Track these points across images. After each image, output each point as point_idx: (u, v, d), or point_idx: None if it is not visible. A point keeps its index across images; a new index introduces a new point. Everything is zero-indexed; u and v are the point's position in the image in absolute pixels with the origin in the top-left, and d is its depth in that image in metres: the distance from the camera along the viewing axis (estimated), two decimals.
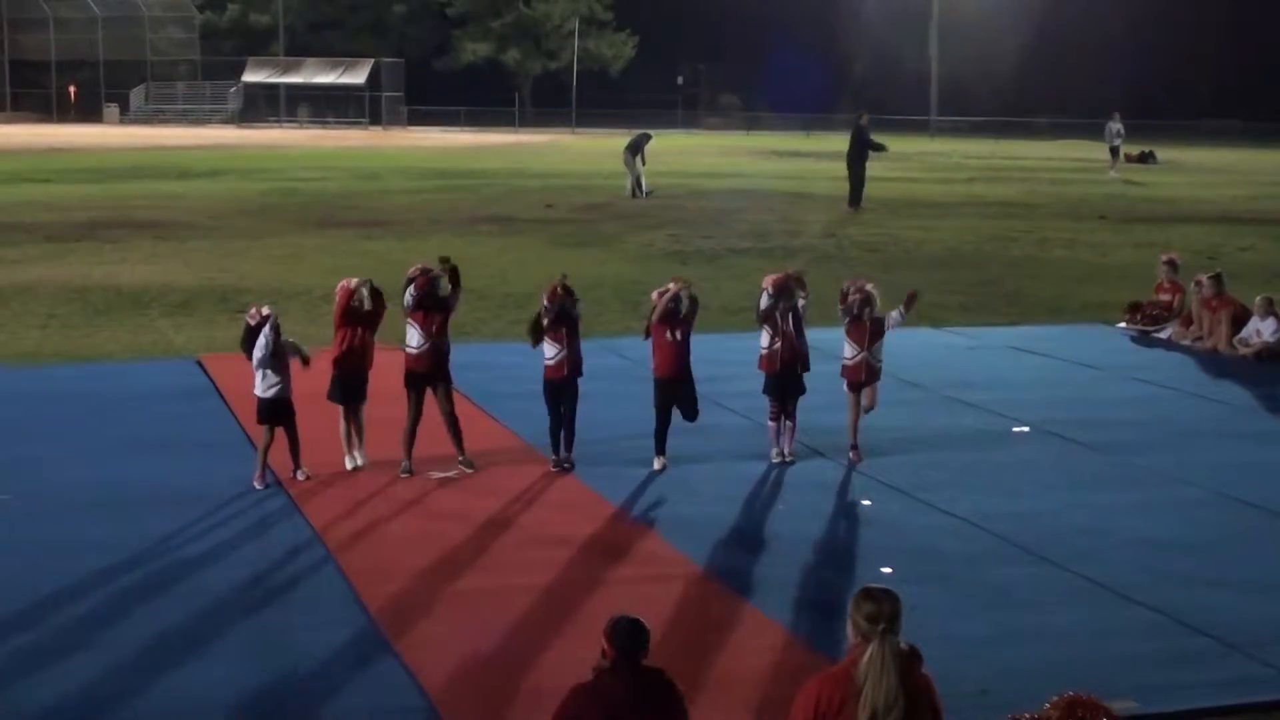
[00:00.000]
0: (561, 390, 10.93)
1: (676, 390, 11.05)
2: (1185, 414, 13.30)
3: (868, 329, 11.29)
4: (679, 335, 10.97)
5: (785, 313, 11.17)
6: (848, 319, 11.33)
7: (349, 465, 10.87)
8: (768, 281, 11.33)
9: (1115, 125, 45.90)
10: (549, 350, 10.89)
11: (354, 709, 6.94)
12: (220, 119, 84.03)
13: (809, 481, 10.89)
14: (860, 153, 32.66)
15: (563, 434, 10.99)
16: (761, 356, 11.31)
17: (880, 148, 32.96)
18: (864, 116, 33.74)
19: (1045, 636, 7.91)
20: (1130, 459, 11.60)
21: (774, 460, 11.26)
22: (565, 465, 10.96)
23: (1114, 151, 45.60)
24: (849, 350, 11.34)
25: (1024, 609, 8.34)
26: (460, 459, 10.95)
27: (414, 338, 10.85)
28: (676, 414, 11.12)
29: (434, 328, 10.81)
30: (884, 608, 5.25)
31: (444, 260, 10.90)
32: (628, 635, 5.43)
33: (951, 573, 8.90)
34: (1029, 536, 9.54)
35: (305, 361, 10.61)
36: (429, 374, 10.89)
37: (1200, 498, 10.58)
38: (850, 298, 11.31)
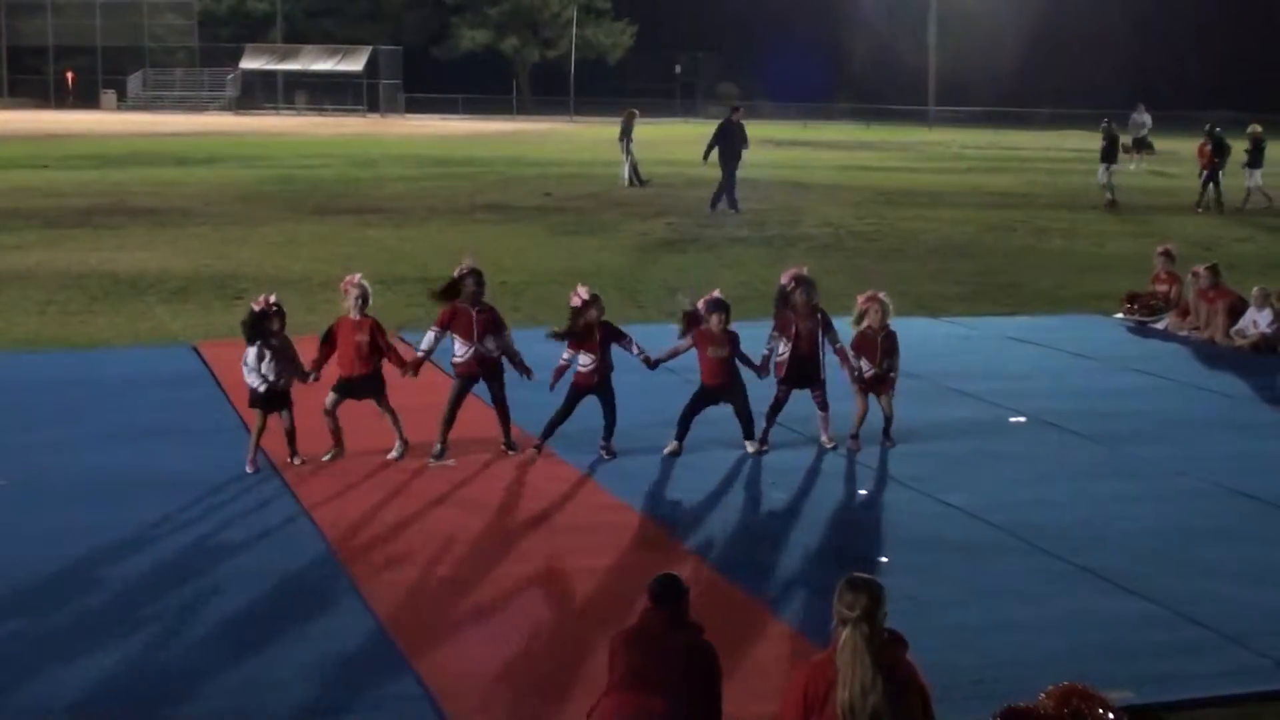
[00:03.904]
0: (592, 392, 10.98)
1: (720, 397, 11.10)
2: (1182, 405, 13.30)
3: (879, 344, 11.26)
4: (717, 353, 10.96)
5: (806, 309, 11.13)
6: (855, 333, 11.33)
7: (326, 457, 10.83)
8: (784, 278, 11.33)
9: (1141, 116, 45.71)
10: (584, 359, 10.90)
11: (350, 697, 6.94)
12: (218, 106, 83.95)
13: (806, 470, 10.90)
14: (735, 150, 30.01)
15: (605, 427, 11.06)
16: (777, 364, 11.27)
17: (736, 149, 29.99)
18: (739, 111, 31.50)
19: (1041, 626, 7.92)
20: (1127, 449, 11.60)
21: (761, 449, 11.23)
22: (604, 456, 10.99)
23: (1138, 143, 45.31)
24: (864, 364, 11.30)
25: (1020, 599, 8.33)
26: (504, 442, 11.12)
27: (457, 346, 10.94)
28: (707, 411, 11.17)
29: (474, 334, 10.84)
30: (861, 597, 5.36)
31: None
32: (659, 586, 6.05)
33: (947, 562, 8.91)
34: (1025, 526, 9.55)
35: (305, 378, 10.70)
36: (476, 375, 10.98)
37: (1197, 488, 10.58)
38: (860, 306, 11.31)
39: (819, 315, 11.19)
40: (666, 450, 11.08)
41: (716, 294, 11.19)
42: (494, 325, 11.00)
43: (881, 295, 11.40)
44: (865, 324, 11.32)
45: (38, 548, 8.85)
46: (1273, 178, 34.56)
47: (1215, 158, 31.64)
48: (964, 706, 6.65)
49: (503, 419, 11.12)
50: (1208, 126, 32.99)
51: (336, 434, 10.84)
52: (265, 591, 8.27)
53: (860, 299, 11.44)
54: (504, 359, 11.05)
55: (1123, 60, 79.36)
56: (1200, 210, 31.15)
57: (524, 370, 11.02)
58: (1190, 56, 78.99)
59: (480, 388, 11.13)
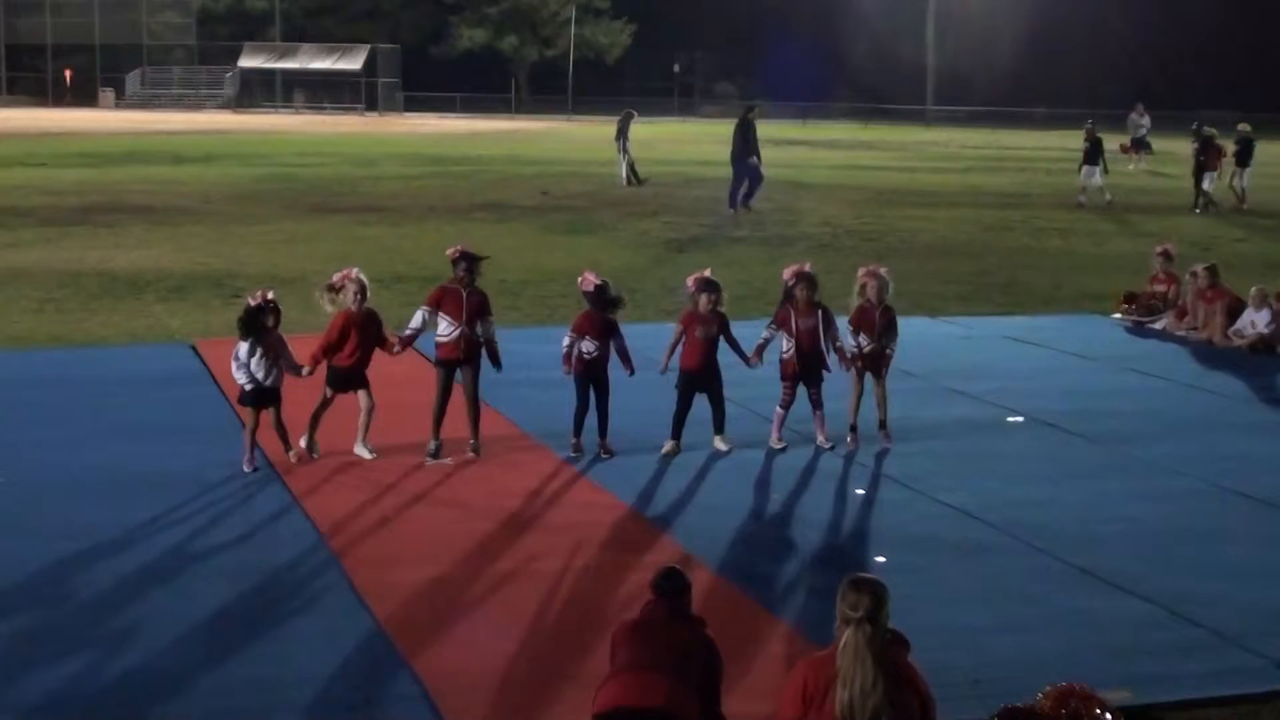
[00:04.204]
0: (595, 377, 10.98)
1: (700, 385, 11.08)
2: (1180, 405, 13.30)
3: (877, 319, 11.25)
4: (706, 333, 10.97)
5: (806, 306, 11.12)
6: (855, 309, 11.31)
7: (302, 443, 10.79)
8: (786, 273, 11.32)
9: (1141, 118, 45.73)
10: (587, 345, 10.91)
11: (349, 697, 6.93)
12: (216, 104, 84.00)
13: (803, 470, 10.89)
14: (747, 149, 29.56)
15: (599, 423, 11.04)
16: (782, 361, 11.28)
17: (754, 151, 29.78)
18: (754, 110, 31.06)
19: (1039, 626, 7.91)
20: (1125, 449, 11.59)
21: (775, 446, 11.24)
22: (603, 454, 10.98)
23: (1137, 143, 45.34)
24: (861, 339, 11.29)
25: (1018, 599, 8.33)
26: (471, 443, 10.99)
27: (444, 326, 10.90)
28: (699, 407, 11.14)
29: (463, 315, 10.82)
30: (864, 597, 5.36)
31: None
32: (662, 579, 6.15)
33: (945, 562, 8.90)
34: (1023, 526, 9.54)
35: (297, 371, 10.68)
36: (458, 360, 10.92)
37: (1195, 488, 10.58)
38: (859, 280, 11.30)
39: (820, 312, 11.19)
40: (664, 450, 11.07)
41: (707, 273, 11.19)
42: (483, 309, 10.99)
43: (881, 270, 11.37)
44: (863, 298, 11.30)
45: (35, 546, 8.83)
46: (1268, 178, 34.58)
47: (1202, 156, 31.71)
48: (962, 707, 6.64)
49: (472, 415, 10.99)
50: (1194, 125, 33.08)
51: (316, 421, 10.82)
52: (262, 590, 8.25)
53: (860, 272, 11.43)
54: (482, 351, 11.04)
55: (1121, 60, 79.42)
56: (1197, 211, 31.17)
57: (497, 362, 11.01)
58: (1190, 56, 78.99)
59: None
